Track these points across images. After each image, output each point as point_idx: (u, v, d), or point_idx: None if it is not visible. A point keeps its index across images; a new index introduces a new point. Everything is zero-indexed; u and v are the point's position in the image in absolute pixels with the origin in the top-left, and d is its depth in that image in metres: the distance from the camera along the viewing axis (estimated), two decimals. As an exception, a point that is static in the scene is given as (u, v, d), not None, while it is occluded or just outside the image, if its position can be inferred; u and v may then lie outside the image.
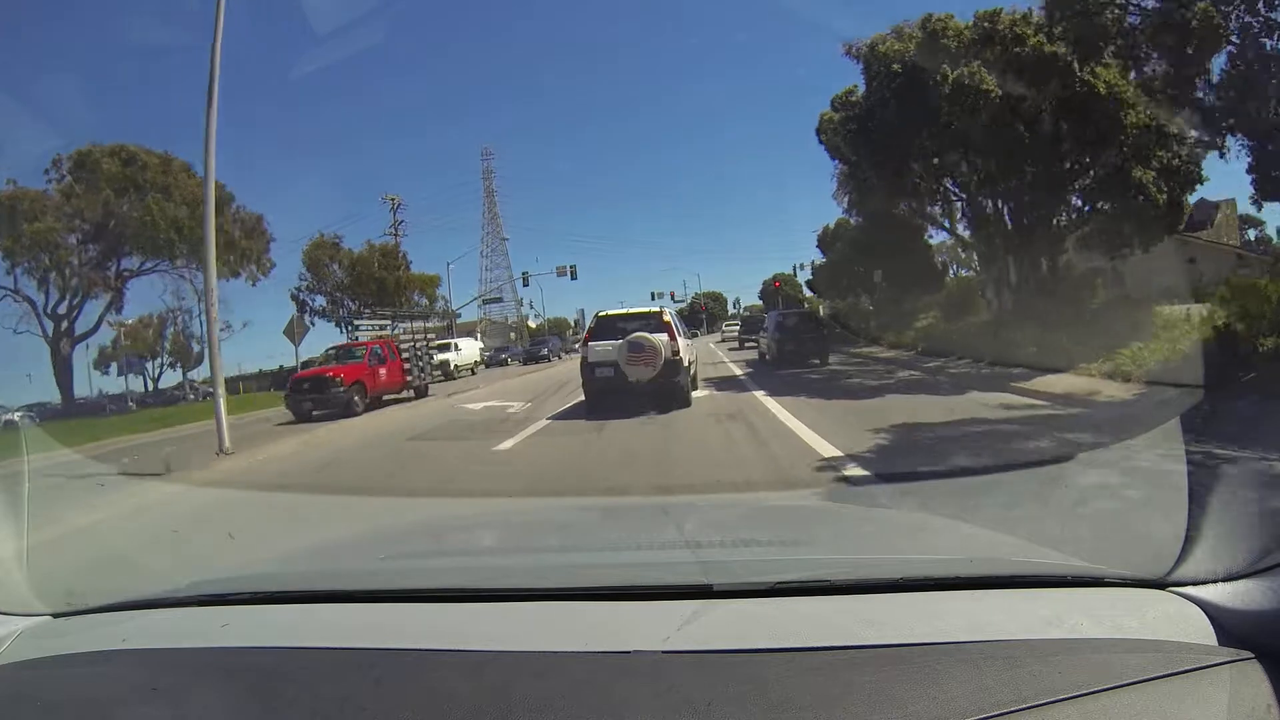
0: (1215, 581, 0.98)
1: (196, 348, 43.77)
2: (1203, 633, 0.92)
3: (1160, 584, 1.04)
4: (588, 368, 10.77)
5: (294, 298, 44.39)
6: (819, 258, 40.98)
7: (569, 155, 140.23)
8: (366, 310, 44.83)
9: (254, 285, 36.06)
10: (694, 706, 0.80)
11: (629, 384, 10.12)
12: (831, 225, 37.20)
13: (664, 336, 10.26)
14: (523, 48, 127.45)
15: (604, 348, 10.48)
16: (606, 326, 10.98)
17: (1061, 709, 0.77)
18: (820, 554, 1.56)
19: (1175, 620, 0.96)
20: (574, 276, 46.67)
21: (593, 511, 3.28)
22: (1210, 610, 0.95)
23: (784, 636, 0.95)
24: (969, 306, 21.56)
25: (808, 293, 56.08)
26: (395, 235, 44.50)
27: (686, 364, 10.68)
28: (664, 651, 0.94)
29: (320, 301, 45.96)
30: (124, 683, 1.01)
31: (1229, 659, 0.85)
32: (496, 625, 1.09)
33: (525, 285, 56.33)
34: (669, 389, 10.17)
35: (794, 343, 17.78)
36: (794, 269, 53.15)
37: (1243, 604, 0.92)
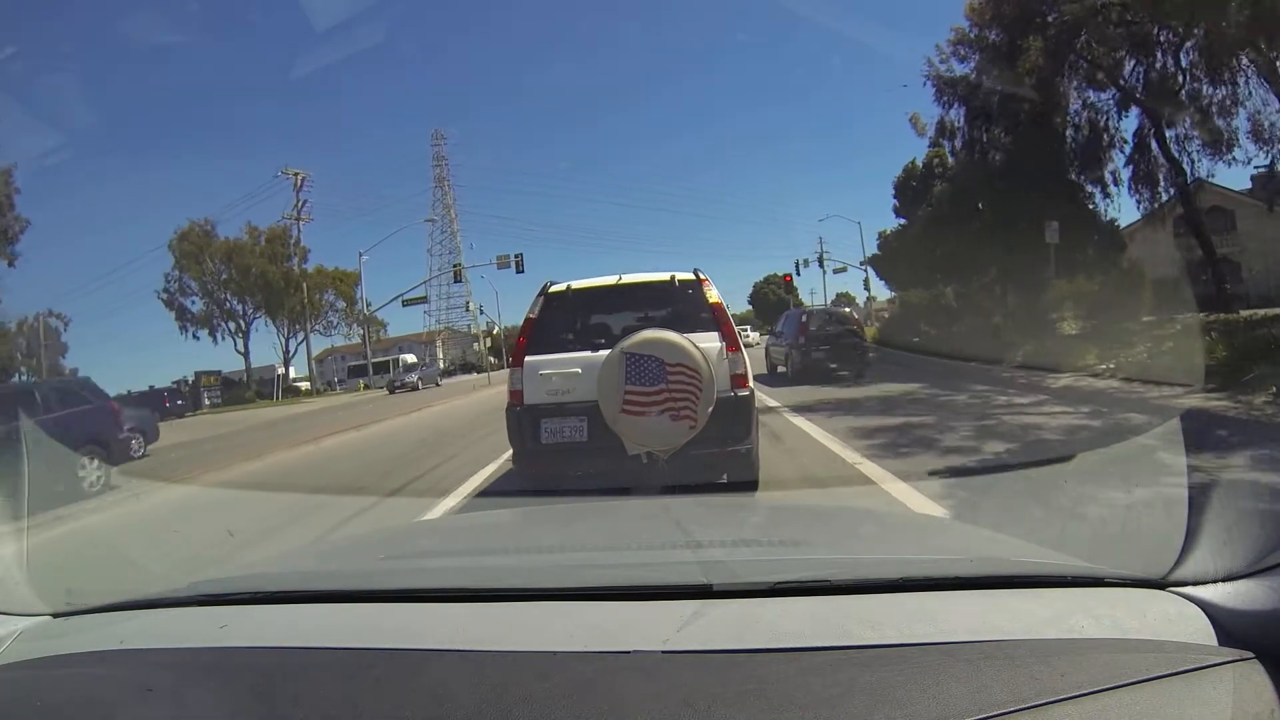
0: (1216, 581, 0.98)
1: (69, 363, 35.23)
2: (1203, 633, 0.92)
3: (1160, 584, 1.04)
4: (524, 421, 4.82)
5: (166, 299, 36.85)
6: (889, 225, 25.54)
7: (524, 140, 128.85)
8: (259, 314, 37.13)
9: (11, 265, 27.35)
10: (694, 707, 0.80)
11: (625, 460, 4.47)
12: (919, 161, 21.63)
13: (713, 341, 4.66)
14: (466, 27, 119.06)
15: (566, 372, 4.77)
16: (572, 320, 5.28)
17: (1061, 709, 0.77)
18: (820, 554, 1.56)
19: (1175, 620, 0.96)
20: (520, 269, 36.66)
21: (593, 511, 3.27)
22: (1210, 610, 0.95)
23: (784, 636, 0.95)
24: (1135, 300, 14.87)
25: (805, 298, 50.46)
26: (297, 218, 36.16)
27: (757, 405, 5.14)
28: (664, 652, 0.94)
29: (199, 305, 37.88)
30: (123, 683, 1.01)
31: (1229, 659, 0.85)
32: (496, 625, 1.09)
33: (457, 281, 48.75)
34: (723, 467, 4.82)
35: (824, 350, 14.22)
36: (796, 267, 43.53)
37: (1243, 604, 0.92)
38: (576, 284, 5.34)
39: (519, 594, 1.20)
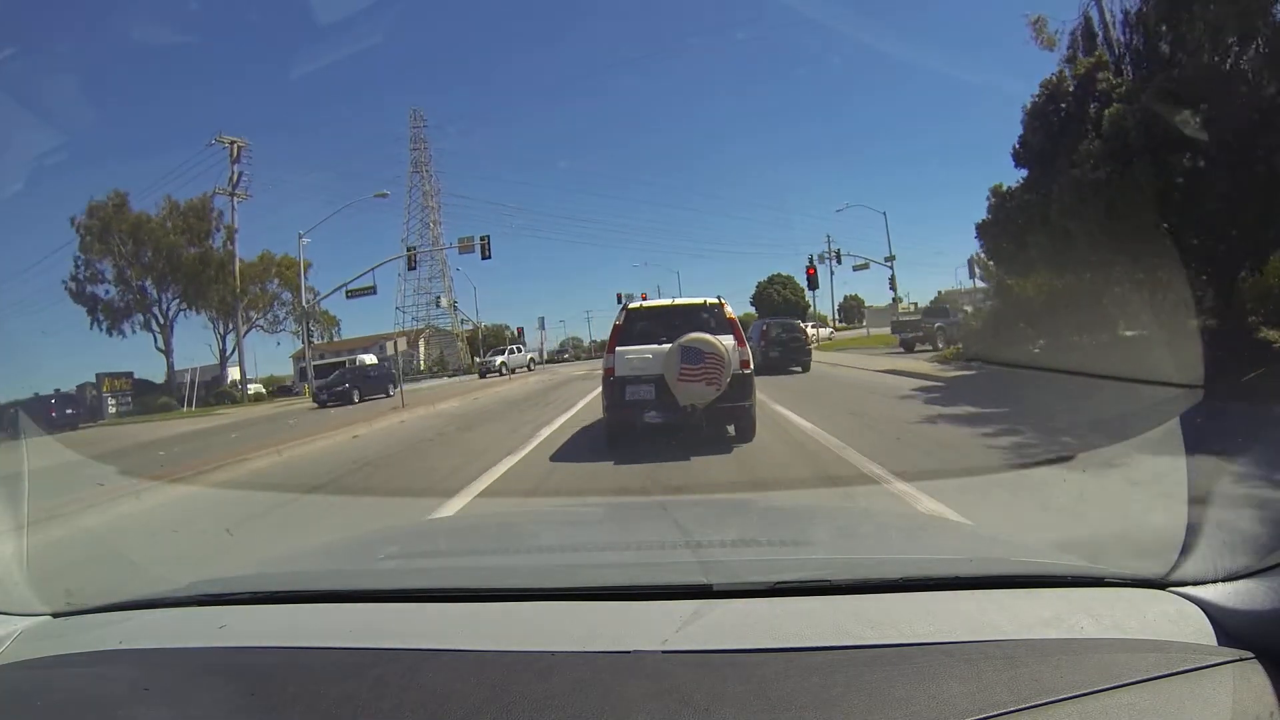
0: (1216, 581, 0.98)
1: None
2: (1203, 633, 0.92)
3: (1161, 584, 1.04)
4: (615, 387, 7.86)
5: (75, 288, 31.54)
6: (1007, 180, 13.83)
7: (518, 135, 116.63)
8: (182, 305, 31.54)
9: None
10: (694, 707, 0.80)
11: (677, 411, 7.51)
12: (1068, 73, 11.39)
13: (729, 340, 7.66)
14: (460, 17, 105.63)
15: (642, 356, 7.82)
16: (642, 325, 8.26)
17: (1061, 709, 0.77)
18: (820, 554, 1.57)
19: (1175, 620, 0.96)
20: (486, 254, 33.22)
21: (593, 511, 3.28)
22: (1210, 610, 0.95)
23: (784, 636, 0.95)
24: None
25: (810, 295, 47.32)
26: (232, 194, 31.51)
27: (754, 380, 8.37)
28: (664, 651, 0.94)
29: (111, 292, 32.49)
30: (123, 683, 1.01)
31: (1229, 659, 0.85)
32: (496, 625, 1.09)
33: (412, 269, 43.53)
34: (734, 417, 7.80)
35: (779, 350, 19.97)
36: (811, 261, 39.22)
37: (1243, 604, 0.92)
38: (646, 303, 9.24)
39: (519, 594, 1.20)
